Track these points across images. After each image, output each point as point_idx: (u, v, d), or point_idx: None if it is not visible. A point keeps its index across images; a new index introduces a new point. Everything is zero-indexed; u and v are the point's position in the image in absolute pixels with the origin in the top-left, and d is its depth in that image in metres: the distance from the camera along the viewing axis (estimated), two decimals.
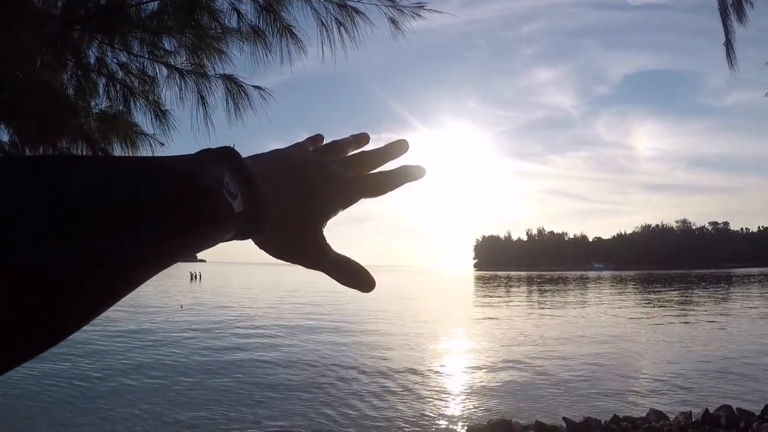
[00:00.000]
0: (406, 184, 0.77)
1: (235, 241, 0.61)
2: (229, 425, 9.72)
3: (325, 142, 0.80)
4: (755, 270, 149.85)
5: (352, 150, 0.80)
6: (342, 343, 19.37)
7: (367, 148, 0.80)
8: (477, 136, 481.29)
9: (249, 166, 0.60)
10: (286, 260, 0.70)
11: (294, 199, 0.66)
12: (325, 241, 0.70)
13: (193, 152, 0.60)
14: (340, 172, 0.71)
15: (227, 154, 0.59)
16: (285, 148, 0.74)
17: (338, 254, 0.71)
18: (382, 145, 0.79)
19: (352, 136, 0.82)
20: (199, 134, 6.79)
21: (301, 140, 0.79)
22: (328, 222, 0.71)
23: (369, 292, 0.73)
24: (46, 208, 0.38)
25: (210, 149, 0.60)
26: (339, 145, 0.79)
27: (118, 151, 7.14)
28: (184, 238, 0.51)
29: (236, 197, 0.56)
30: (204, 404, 11.12)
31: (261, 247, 0.68)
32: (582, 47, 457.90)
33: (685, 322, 27.37)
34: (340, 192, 0.70)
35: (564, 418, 8.89)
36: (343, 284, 0.72)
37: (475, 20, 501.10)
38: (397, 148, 0.79)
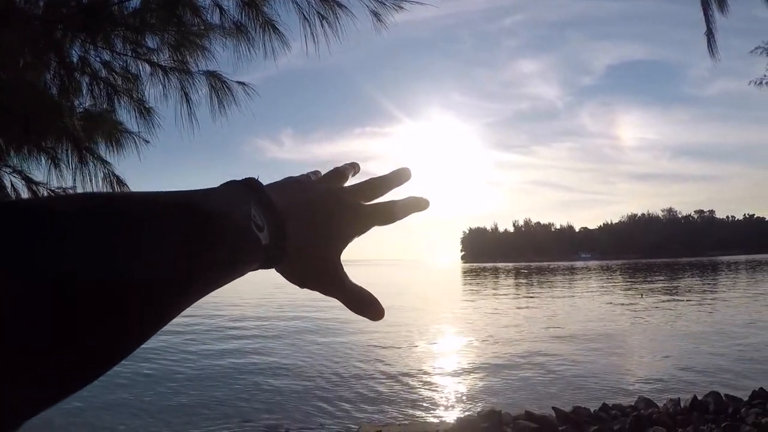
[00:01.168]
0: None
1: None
2: (216, 421, 9.71)
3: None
4: (742, 257, 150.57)
5: (352, 175, 0.84)
6: (326, 338, 19.35)
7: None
8: (462, 128, 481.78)
9: (273, 199, 0.63)
10: (305, 287, 0.72)
11: (314, 229, 0.69)
12: (343, 270, 0.73)
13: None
14: (353, 202, 0.74)
15: (253, 186, 0.63)
16: (295, 177, 0.76)
17: (353, 284, 0.74)
18: (387, 173, 0.82)
19: (348, 163, 0.84)
20: (183, 131, 6.79)
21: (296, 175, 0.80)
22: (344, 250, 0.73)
23: (378, 320, 0.75)
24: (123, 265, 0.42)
25: (235, 181, 0.64)
26: (340, 172, 0.81)
27: (102, 150, 7.13)
28: (223, 278, 0.55)
29: (263, 230, 0.59)
30: (186, 398, 11.10)
31: (281, 274, 0.71)
32: (566, 38, 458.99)
33: (673, 310, 27.46)
34: (355, 220, 0.73)
35: (553, 408, 8.93)
36: (355, 312, 0.74)
37: (458, 13, 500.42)
38: (402, 175, 0.82)
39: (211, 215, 0.54)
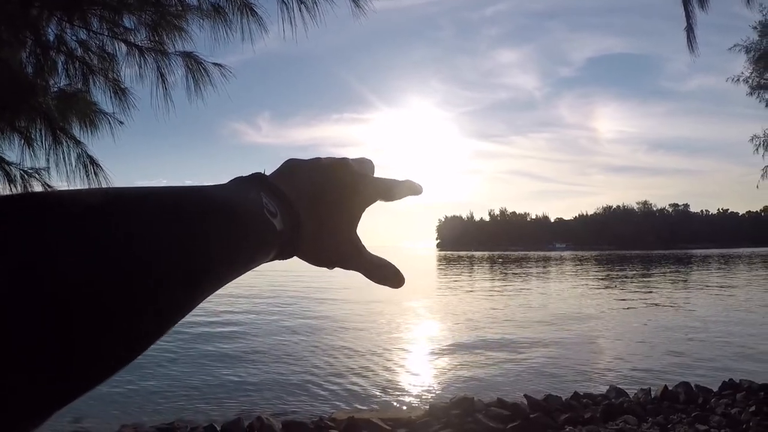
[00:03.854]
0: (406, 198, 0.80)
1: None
2: (189, 412, 9.68)
3: None
4: (715, 251, 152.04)
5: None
6: (298, 326, 19.36)
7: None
8: (440, 116, 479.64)
9: (282, 186, 0.64)
10: (327, 266, 0.73)
11: (326, 207, 0.69)
12: (360, 243, 0.73)
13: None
14: (360, 170, 0.74)
15: (260, 178, 0.63)
16: (297, 159, 0.74)
17: (372, 255, 0.74)
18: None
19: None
20: (159, 112, 6.74)
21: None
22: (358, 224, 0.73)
23: (399, 288, 0.75)
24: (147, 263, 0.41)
25: (242, 177, 0.63)
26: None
27: (76, 131, 7.05)
28: (240, 268, 0.55)
29: (276, 216, 0.59)
30: (165, 390, 11.07)
31: (302, 258, 0.70)
32: (546, 29, 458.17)
33: (646, 301, 27.71)
34: (363, 189, 0.73)
35: (525, 396, 8.99)
36: (377, 283, 0.74)
37: (440, 1, 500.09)
38: (415, 188, 0.81)
39: (232, 207, 0.55)
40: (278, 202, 0.61)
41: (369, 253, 0.74)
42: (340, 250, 0.71)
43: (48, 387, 0.35)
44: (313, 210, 0.67)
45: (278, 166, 0.71)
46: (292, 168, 0.71)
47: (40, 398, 0.35)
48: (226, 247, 0.51)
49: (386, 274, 0.74)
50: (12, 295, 0.32)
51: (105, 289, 0.37)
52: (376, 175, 0.78)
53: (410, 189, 0.79)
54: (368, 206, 0.74)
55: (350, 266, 0.73)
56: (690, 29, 7.62)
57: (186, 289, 0.46)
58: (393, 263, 0.75)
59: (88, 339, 0.37)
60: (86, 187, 7.00)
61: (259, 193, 0.59)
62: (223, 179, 0.63)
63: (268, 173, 0.67)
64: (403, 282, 0.75)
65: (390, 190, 0.76)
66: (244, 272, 0.56)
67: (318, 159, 0.73)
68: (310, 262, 0.71)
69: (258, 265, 0.59)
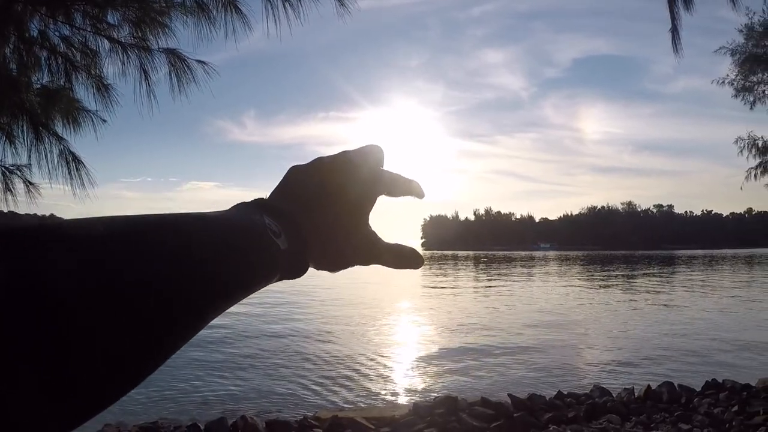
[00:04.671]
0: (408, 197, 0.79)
1: None
2: (172, 411, 9.64)
3: None
4: (699, 252, 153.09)
5: None
6: (282, 328, 19.32)
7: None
8: (425, 115, 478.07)
9: (284, 203, 0.65)
10: (347, 267, 0.72)
11: (333, 215, 0.68)
12: (374, 235, 0.73)
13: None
14: (365, 162, 0.73)
15: (261, 202, 0.64)
16: (298, 167, 0.73)
17: (387, 245, 0.73)
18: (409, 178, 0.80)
19: None
20: (142, 109, 6.70)
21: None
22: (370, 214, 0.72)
23: (419, 268, 0.76)
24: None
25: (244, 202, 0.64)
26: None
27: (59, 128, 7.00)
28: (245, 292, 0.56)
29: (280, 236, 0.59)
30: (148, 390, 11.01)
31: (319, 268, 0.70)
32: (532, 30, 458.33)
33: (629, 301, 27.87)
34: (365, 185, 0.71)
35: (509, 395, 8.99)
36: (397, 269, 0.74)
37: (427, 1, 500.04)
38: (417, 189, 0.80)
39: (236, 232, 0.56)
40: (281, 221, 0.61)
41: (384, 242, 0.73)
42: (356, 249, 0.71)
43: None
44: (321, 217, 0.67)
45: (283, 176, 0.71)
46: (294, 178, 0.70)
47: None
48: (233, 273, 0.53)
49: (405, 260, 0.74)
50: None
51: (111, 309, 0.39)
52: (386, 160, 0.76)
53: (414, 190, 0.78)
54: (375, 199, 0.73)
55: (369, 262, 0.72)
56: (675, 30, 7.64)
57: (188, 315, 0.47)
58: (408, 245, 0.75)
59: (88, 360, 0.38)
60: (68, 183, 7.00)
61: (262, 216, 0.60)
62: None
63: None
64: (423, 262, 0.76)
65: (394, 187, 0.75)
66: (249, 294, 0.57)
67: (319, 160, 0.72)
68: (329, 270, 0.71)
69: (263, 287, 0.59)
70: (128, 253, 0.43)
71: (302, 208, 0.65)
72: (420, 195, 0.79)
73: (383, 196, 0.74)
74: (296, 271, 0.64)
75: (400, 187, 0.76)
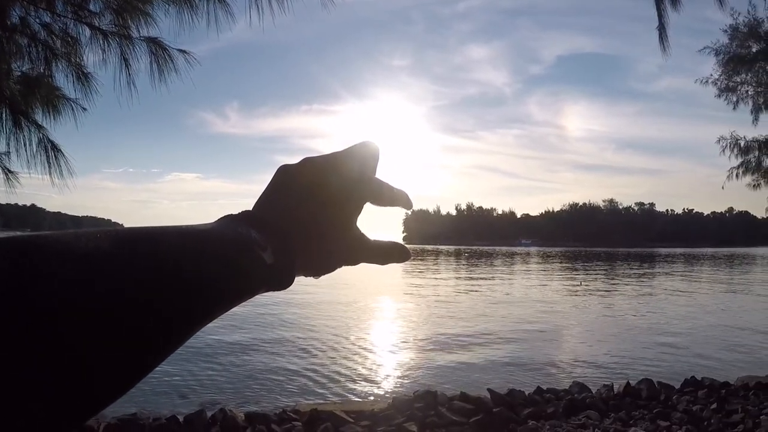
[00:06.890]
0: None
1: None
2: (151, 403, 9.60)
3: None
4: (679, 250, 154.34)
5: None
6: (263, 322, 19.28)
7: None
8: (409, 109, 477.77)
9: (270, 213, 0.64)
10: (335, 270, 0.71)
11: (319, 221, 0.67)
12: (361, 236, 0.72)
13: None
14: (354, 166, 0.71)
15: (248, 215, 0.63)
16: (285, 167, 0.71)
17: (373, 243, 0.73)
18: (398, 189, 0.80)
19: None
20: (122, 98, 6.63)
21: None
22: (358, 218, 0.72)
23: (406, 261, 0.76)
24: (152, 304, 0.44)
25: (231, 214, 0.63)
26: None
27: (39, 116, 6.93)
28: (229, 304, 0.55)
29: (266, 249, 0.59)
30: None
31: (309, 275, 0.70)
32: (517, 26, 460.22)
33: (610, 298, 28.04)
34: (350, 195, 0.70)
35: (489, 390, 9.00)
36: (385, 265, 0.74)
37: None
38: (405, 200, 0.79)
39: (221, 246, 0.56)
40: (268, 235, 0.60)
41: (371, 241, 0.73)
42: (344, 253, 0.70)
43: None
44: (309, 224, 0.66)
45: (272, 177, 0.69)
46: (282, 180, 0.69)
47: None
48: (217, 287, 0.52)
49: (393, 256, 0.74)
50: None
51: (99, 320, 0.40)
52: (380, 158, 0.74)
53: (401, 201, 0.77)
54: (362, 205, 0.72)
55: (358, 261, 0.72)
56: (662, 28, 7.67)
57: (168, 329, 0.47)
58: (395, 241, 0.75)
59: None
60: (47, 172, 6.94)
61: (249, 230, 0.59)
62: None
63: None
64: (410, 255, 0.76)
65: (380, 195, 0.74)
66: (234, 307, 0.56)
67: (309, 161, 0.70)
68: (314, 276, 0.70)
69: (249, 298, 0.59)
70: (114, 269, 0.43)
71: (289, 215, 0.65)
72: (408, 206, 0.78)
73: (369, 204, 0.73)
74: (282, 284, 0.62)
75: (386, 196, 0.75)
